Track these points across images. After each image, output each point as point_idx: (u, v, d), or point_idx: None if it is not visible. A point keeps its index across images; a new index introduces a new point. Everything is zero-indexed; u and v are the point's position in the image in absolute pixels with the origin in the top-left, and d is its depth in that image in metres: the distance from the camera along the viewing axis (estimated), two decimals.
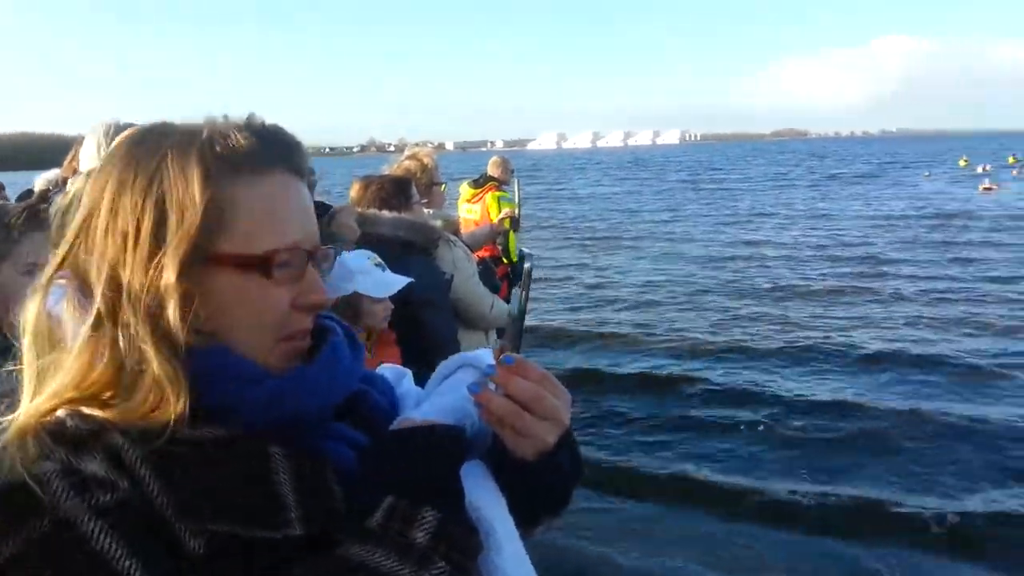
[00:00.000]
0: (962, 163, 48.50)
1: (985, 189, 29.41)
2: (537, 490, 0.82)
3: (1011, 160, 48.04)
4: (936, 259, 13.89)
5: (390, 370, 1.00)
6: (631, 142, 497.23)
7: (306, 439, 0.75)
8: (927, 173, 43.11)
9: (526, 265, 4.51)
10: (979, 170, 42.18)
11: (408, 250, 2.84)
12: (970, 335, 8.67)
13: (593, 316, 10.31)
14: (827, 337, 8.62)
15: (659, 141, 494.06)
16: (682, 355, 8.23)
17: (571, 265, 14.25)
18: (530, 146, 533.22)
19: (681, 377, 7.45)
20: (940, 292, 10.93)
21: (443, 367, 0.90)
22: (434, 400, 0.85)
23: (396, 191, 3.09)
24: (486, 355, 0.86)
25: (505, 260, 6.54)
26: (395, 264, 2.43)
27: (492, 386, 0.79)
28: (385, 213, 2.94)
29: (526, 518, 0.82)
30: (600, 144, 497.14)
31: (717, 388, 7.09)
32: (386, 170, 3.61)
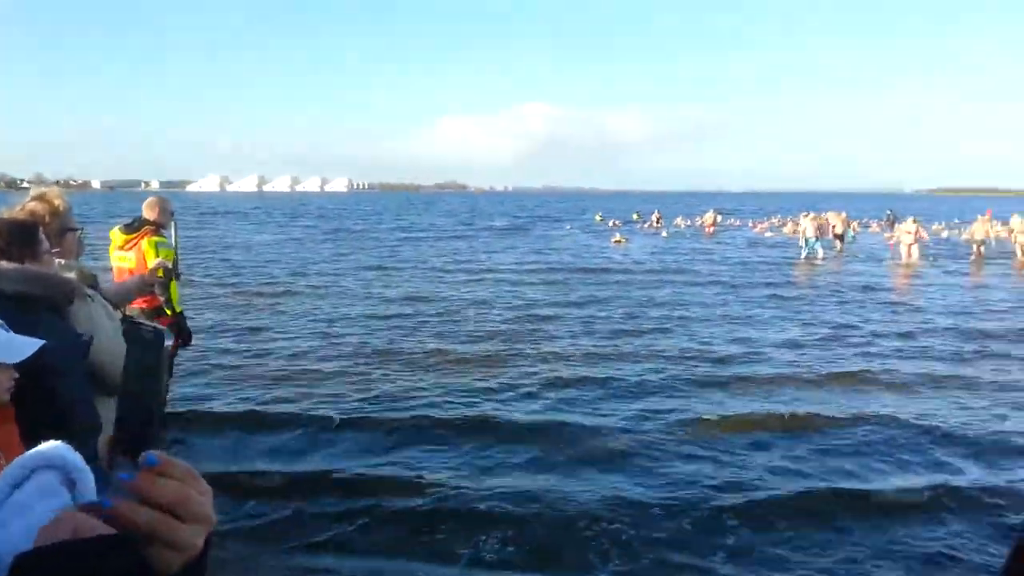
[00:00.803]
0: (597, 218, 55.01)
1: (616, 241, 33.74)
2: None
3: (635, 216, 55.61)
4: (584, 301, 15.38)
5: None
6: (299, 188, 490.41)
7: None
8: (569, 226, 48.14)
9: (167, 342, 3.73)
10: (611, 224, 48.24)
11: (35, 307, 2.38)
12: (621, 359, 9.78)
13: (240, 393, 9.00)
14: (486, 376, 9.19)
15: (327, 188, 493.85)
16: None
17: (229, 330, 12.53)
18: (190, 188, 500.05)
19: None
20: (593, 331, 12.19)
21: (11, 470, 0.71)
22: (16, 521, 0.66)
23: (19, 238, 2.55)
24: (64, 451, 0.70)
25: (169, 311, 5.99)
26: (20, 325, 2.01)
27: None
28: (4, 264, 2.45)
29: None
30: (267, 189, 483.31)
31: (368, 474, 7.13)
32: (5, 213, 3.03)
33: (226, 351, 10.61)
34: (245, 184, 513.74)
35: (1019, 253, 25.35)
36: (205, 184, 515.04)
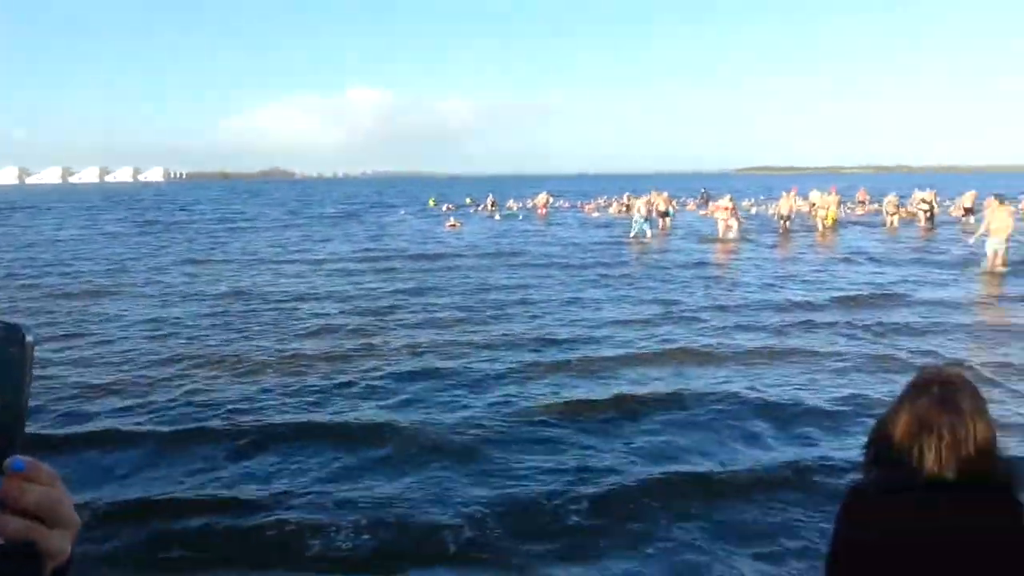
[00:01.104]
0: (431, 203, 54.67)
1: (451, 226, 33.58)
2: None
3: (469, 201, 55.71)
4: (423, 289, 15.07)
5: None
6: (109, 179, 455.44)
7: None
8: (403, 211, 47.49)
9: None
10: (444, 209, 48.03)
11: None
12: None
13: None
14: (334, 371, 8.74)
15: (142, 178, 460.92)
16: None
17: (40, 338, 11.88)
18: None
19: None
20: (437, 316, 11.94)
21: None
22: None
23: None
24: None
25: None
26: None
27: None
28: None
29: None
30: (73, 180, 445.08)
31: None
32: None
33: (38, 362, 9.44)
34: (48, 176, 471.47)
35: (820, 226, 27.55)
36: (1, 176, 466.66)
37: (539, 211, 42.14)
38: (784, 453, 6.30)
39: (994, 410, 1.89)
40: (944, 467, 1.71)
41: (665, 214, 29.98)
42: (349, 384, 8.49)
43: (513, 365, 9.15)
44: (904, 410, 1.79)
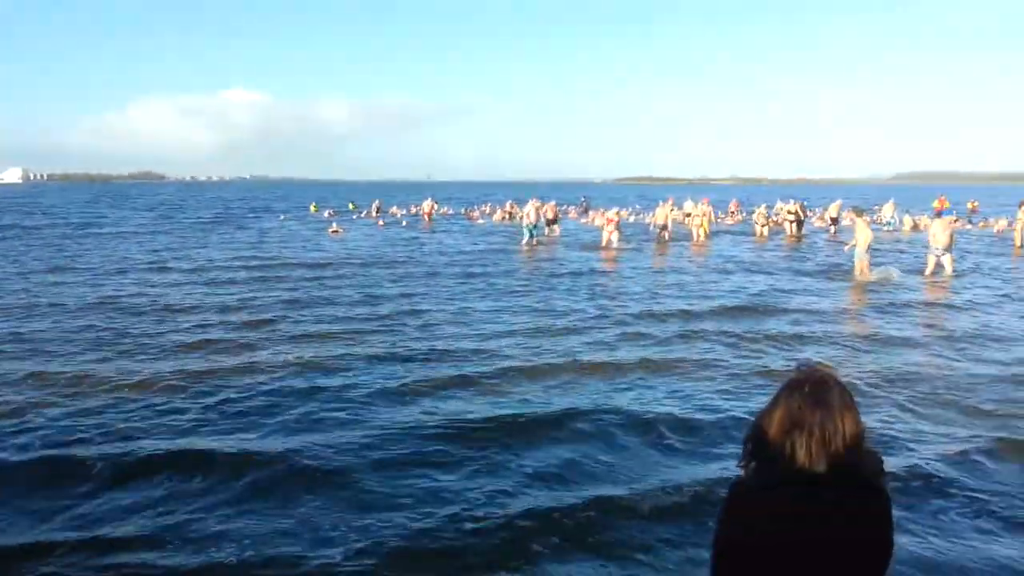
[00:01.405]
0: (312, 208, 53.17)
1: (333, 231, 32.81)
2: None
3: (351, 206, 54.60)
4: (305, 300, 14.43)
5: None
6: None
7: None
8: (283, 217, 45.91)
9: None
10: (326, 214, 46.84)
11: None
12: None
13: None
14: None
15: None
16: None
17: None
18: None
19: None
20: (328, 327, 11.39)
21: None
22: None
23: None
24: None
25: None
26: None
27: None
28: None
29: None
30: None
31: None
32: None
33: None
34: None
35: (695, 235, 28.47)
36: None
37: (424, 218, 41.71)
38: (680, 472, 6.18)
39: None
40: (815, 461, 1.79)
41: (553, 222, 30.27)
42: (228, 404, 7.90)
43: (400, 381, 8.77)
44: (778, 408, 1.87)
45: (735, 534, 1.86)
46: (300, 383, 8.70)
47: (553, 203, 33.06)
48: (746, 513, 1.86)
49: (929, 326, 12.38)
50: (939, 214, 39.30)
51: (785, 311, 13.54)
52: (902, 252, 24.11)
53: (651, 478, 6.02)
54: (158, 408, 7.78)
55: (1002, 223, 35.46)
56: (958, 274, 18.61)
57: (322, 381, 8.77)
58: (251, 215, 49.93)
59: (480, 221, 41.97)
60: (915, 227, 35.48)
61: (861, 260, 17.91)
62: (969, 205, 48.67)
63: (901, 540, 4.93)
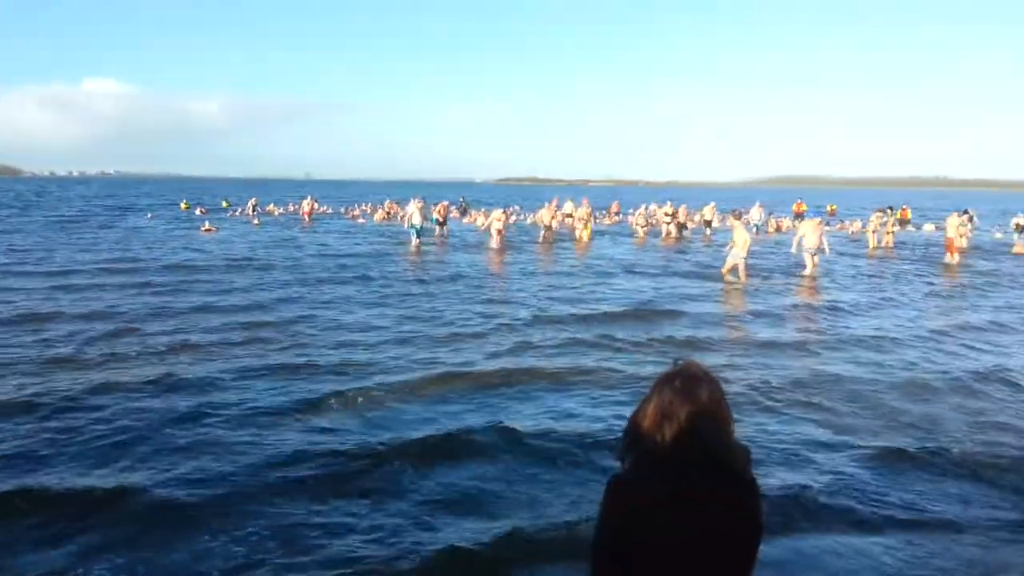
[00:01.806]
0: (183, 206, 50.30)
1: (206, 230, 31.06)
2: None
3: (225, 204, 52.11)
4: (178, 307, 13.23)
5: None
6: None
7: None
8: (150, 215, 43.09)
9: None
10: (198, 212, 44.42)
11: None
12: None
13: None
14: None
15: None
16: None
17: None
18: None
19: None
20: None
21: None
22: None
23: None
24: None
25: None
26: None
27: None
28: None
29: None
30: None
31: None
32: None
33: None
34: None
35: (578, 236, 28.58)
36: None
37: (304, 217, 40.10)
38: (585, 494, 5.70)
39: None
40: (685, 453, 1.85)
41: (442, 223, 29.61)
42: (78, 432, 6.87)
43: (275, 400, 7.95)
44: (651, 401, 1.92)
45: (613, 526, 1.88)
46: (162, 404, 7.73)
47: (446, 203, 32.31)
48: (623, 505, 1.88)
49: (810, 330, 12.55)
50: (798, 216, 41.48)
51: (672, 314, 13.49)
52: (773, 253, 24.95)
53: (554, 506, 5.53)
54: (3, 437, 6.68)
55: (856, 225, 37.64)
56: (827, 274, 19.35)
57: (187, 402, 7.81)
58: (116, 213, 46.55)
59: (361, 220, 40.85)
60: (778, 229, 37.16)
61: (738, 262, 18.28)
62: (828, 208, 51.61)
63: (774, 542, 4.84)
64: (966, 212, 30.26)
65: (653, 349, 10.68)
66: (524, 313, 13.32)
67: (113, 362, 9.50)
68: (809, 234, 19.62)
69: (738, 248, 18.30)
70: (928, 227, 41.57)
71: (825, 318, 13.63)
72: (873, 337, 11.70)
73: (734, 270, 18.46)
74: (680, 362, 2.02)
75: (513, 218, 41.58)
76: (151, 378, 8.66)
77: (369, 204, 51.17)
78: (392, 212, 42.56)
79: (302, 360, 9.66)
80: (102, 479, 5.83)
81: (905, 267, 22.43)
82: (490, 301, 14.75)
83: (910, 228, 40.06)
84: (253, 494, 5.60)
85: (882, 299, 15.84)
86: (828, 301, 15.44)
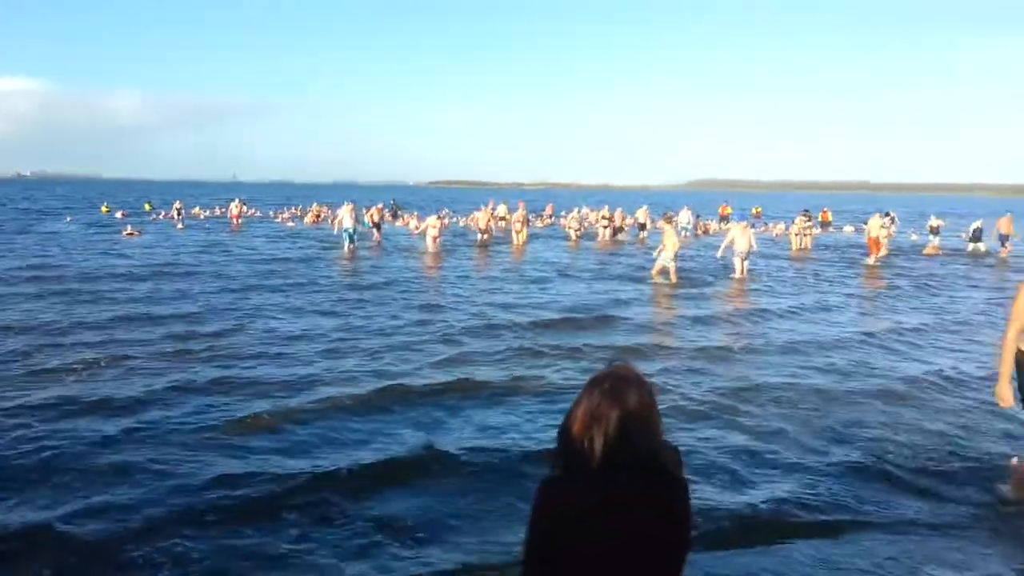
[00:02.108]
0: (104, 209, 48.29)
1: (128, 234, 29.89)
2: None
3: (148, 207, 50.26)
4: (100, 320, 12.47)
5: None
6: None
7: None
8: (68, 218, 41.18)
9: None
10: (119, 215, 42.70)
11: None
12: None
13: None
14: None
15: None
16: None
17: None
18: None
19: None
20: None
21: None
22: None
23: None
24: None
25: None
26: None
27: None
28: None
29: None
30: None
31: None
32: None
33: None
34: None
35: (514, 239, 28.49)
36: None
37: (232, 220, 38.91)
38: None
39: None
40: (614, 454, 1.82)
41: (378, 226, 29.05)
42: None
43: (200, 419, 7.41)
44: (581, 405, 1.89)
45: (542, 530, 1.87)
46: (81, 425, 7.15)
47: (379, 205, 31.73)
48: (551, 509, 1.86)
49: (741, 334, 12.58)
50: (724, 219, 42.37)
51: (607, 320, 13.40)
52: (701, 256, 25.28)
53: (497, 530, 5.23)
54: None
55: (779, 228, 38.60)
56: (755, 278, 19.67)
57: (107, 423, 7.24)
58: (33, 217, 44.28)
59: (291, 224, 39.89)
60: (706, 231, 37.86)
61: (668, 264, 18.36)
62: (754, 211, 52.80)
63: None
64: (888, 214, 31.28)
65: (587, 356, 10.49)
66: (460, 321, 13.02)
67: (29, 378, 8.85)
68: (739, 238, 19.74)
69: (668, 251, 18.39)
70: (848, 229, 43.04)
71: (755, 323, 13.67)
72: (802, 342, 11.81)
73: (664, 272, 18.54)
74: (612, 364, 2.00)
75: (446, 220, 41.31)
76: (70, 396, 8.06)
77: (299, 207, 50.10)
78: (322, 215, 41.74)
79: (230, 374, 9.15)
80: (3, 514, 5.33)
81: (828, 269, 22.95)
82: (426, 307, 14.41)
83: (831, 230, 41.35)
84: (170, 525, 5.14)
85: (811, 303, 16.01)
86: (757, 305, 15.53)
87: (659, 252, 18.82)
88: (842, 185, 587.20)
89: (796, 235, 29.76)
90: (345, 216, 25.54)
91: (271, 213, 47.93)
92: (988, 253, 28.12)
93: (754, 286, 18.48)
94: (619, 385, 1.90)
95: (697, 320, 13.75)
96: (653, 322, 13.65)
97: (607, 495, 1.82)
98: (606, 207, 33.69)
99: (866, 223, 29.15)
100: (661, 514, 1.85)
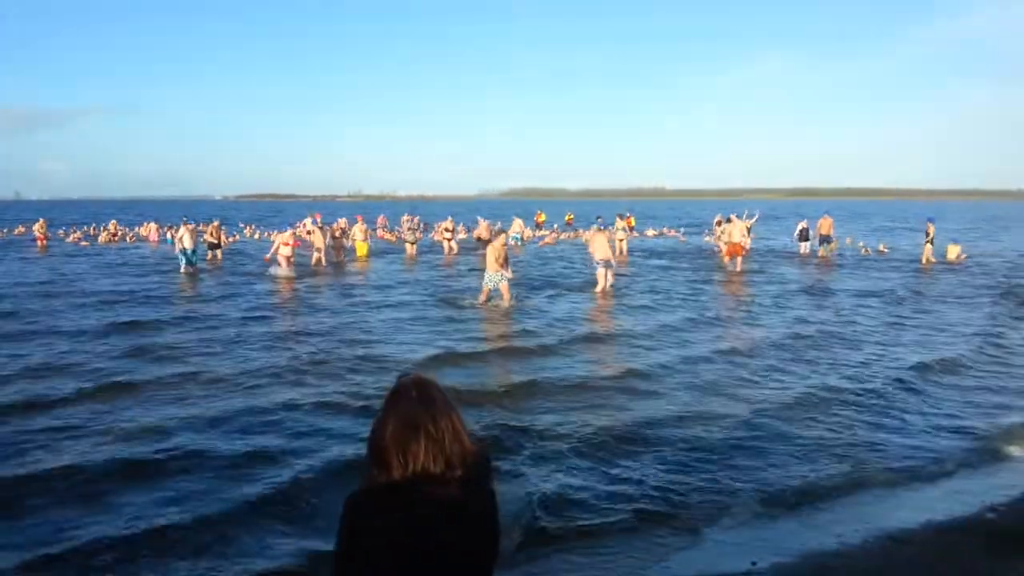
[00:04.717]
0: None
1: None
2: None
3: None
4: None
5: None
6: None
7: None
8: None
9: None
10: None
11: None
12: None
13: None
14: None
15: None
16: None
17: None
18: None
19: None
20: None
21: None
22: None
23: None
24: None
25: None
26: None
27: None
28: None
29: None
30: None
31: None
32: None
33: None
34: None
35: (444, 247, 28.25)
36: None
37: (38, 241, 33.67)
38: None
39: None
40: (433, 461, 1.73)
41: (216, 246, 26.28)
42: None
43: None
44: (390, 415, 1.79)
45: (347, 548, 1.72)
46: None
47: (216, 223, 28.34)
48: (355, 525, 1.72)
49: (616, 359, 11.32)
50: (539, 226, 43.32)
51: (455, 359, 10.97)
52: (529, 264, 24.81)
53: None
54: None
55: (588, 234, 39.35)
56: (607, 294, 17.29)
57: None
58: None
59: (84, 243, 35.75)
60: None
61: (497, 284, 15.10)
62: (566, 217, 53.65)
63: None
64: (735, 217, 26.89)
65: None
66: (328, 350, 11.44)
67: None
68: (600, 246, 16.93)
69: (491, 271, 14.97)
70: (650, 232, 45.49)
71: (621, 350, 11.73)
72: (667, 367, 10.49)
73: (496, 293, 15.23)
74: (406, 374, 1.89)
75: (256, 234, 38.71)
76: None
77: (92, 225, 45.53)
78: (118, 233, 38.09)
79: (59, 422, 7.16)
80: None
81: (682, 276, 21.62)
82: (286, 339, 12.54)
83: (634, 234, 42.90)
84: None
85: (685, 320, 14.23)
86: (621, 327, 13.53)
87: (484, 274, 15.50)
88: (641, 192, 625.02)
89: (620, 240, 29.72)
90: (185, 235, 22.70)
91: (60, 232, 41.79)
92: (812, 254, 28.14)
93: (614, 303, 16.28)
94: (425, 391, 1.82)
95: (549, 351, 11.45)
96: (496, 355, 11.27)
97: (411, 510, 1.70)
98: (449, 219, 32.06)
99: (719, 224, 28.56)
100: (469, 528, 1.74)
